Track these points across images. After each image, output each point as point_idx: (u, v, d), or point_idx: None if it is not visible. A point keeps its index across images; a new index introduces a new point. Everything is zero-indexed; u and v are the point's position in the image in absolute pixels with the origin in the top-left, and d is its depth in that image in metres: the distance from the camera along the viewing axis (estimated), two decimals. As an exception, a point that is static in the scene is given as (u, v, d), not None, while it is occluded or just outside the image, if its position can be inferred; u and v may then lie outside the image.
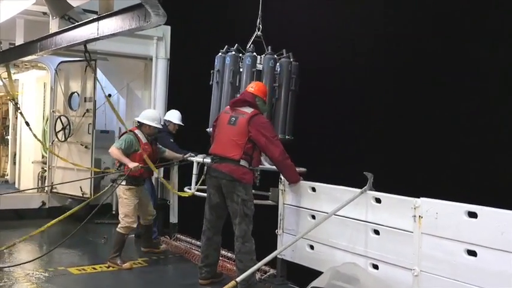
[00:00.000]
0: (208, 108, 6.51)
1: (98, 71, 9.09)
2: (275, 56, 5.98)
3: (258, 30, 6.18)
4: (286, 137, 6.05)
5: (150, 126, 6.53)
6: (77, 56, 8.40)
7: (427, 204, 4.04)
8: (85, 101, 8.99)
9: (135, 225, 6.53)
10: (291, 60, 6.02)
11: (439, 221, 3.95)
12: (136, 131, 6.57)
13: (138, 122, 6.63)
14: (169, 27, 8.27)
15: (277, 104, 5.96)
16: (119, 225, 6.43)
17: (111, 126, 9.91)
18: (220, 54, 6.17)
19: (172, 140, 7.15)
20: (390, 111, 6.28)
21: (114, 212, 9.21)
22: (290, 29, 6.71)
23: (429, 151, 5.92)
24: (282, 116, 6.00)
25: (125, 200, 6.43)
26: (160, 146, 6.93)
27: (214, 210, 5.33)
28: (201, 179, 5.82)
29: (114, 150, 6.39)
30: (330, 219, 4.75)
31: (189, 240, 7.24)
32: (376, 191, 4.57)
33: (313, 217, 5.11)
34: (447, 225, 3.89)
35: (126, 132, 6.71)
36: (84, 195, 8.68)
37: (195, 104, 7.62)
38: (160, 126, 6.69)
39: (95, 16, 5.07)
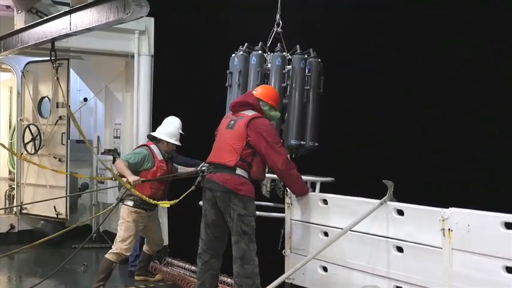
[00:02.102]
0: (204, 112, 6.54)
1: (72, 72, 9.14)
2: (305, 55, 6.09)
3: (278, 27, 6.19)
4: (316, 144, 6.12)
5: (168, 143, 6.58)
6: (47, 56, 8.38)
7: (457, 215, 4.04)
8: (57, 106, 9.01)
9: (128, 254, 6.55)
10: (319, 59, 6.15)
11: (471, 234, 3.94)
12: (152, 146, 6.60)
13: (155, 137, 6.66)
14: (152, 19, 8.27)
15: (307, 107, 6.06)
16: (110, 250, 6.42)
17: (88, 135, 9.91)
18: (241, 53, 6.23)
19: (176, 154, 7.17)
20: (410, 112, 6.30)
21: (94, 235, 9.22)
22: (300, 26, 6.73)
23: (455, 155, 5.93)
24: (312, 120, 6.07)
25: (127, 223, 6.42)
26: (175, 165, 6.95)
27: (209, 228, 5.29)
28: (189, 191, 5.81)
29: (120, 163, 6.39)
30: (346, 236, 4.74)
31: (182, 265, 7.23)
32: (397, 201, 4.57)
33: (326, 234, 5.10)
34: (481, 239, 3.88)
35: (140, 146, 6.77)
36: (59, 216, 8.69)
37: (185, 108, 7.62)
38: (179, 144, 6.72)
39: (67, 9, 5.08)
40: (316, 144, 6.14)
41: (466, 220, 3.98)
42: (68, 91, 8.80)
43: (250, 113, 5.27)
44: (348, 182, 5.74)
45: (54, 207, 8.72)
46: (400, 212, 4.49)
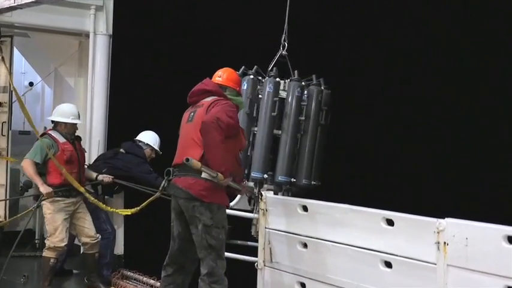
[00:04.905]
0: (170, 102, 6.50)
1: (16, 52, 9.00)
2: (302, 83, 6.05)
3: (283, 49, 6.15)
4: (312, 182, 6.03)
5: (66, 124, 6.85)
6: (-14, 32, 8.32)
7: (454, 227, 4.06)
8: (-3, 91, 8.88)
9: (62, 245, 6.69)
10: (322, 87, 6.10)
11: (470, 248, 3.97)
12: (51, 132, 6.89)
13: (52, 121, 6.94)
14: (111, -7, 8.22)
15: (302, 140, 6.00)
16: (44, 248, 6.72)
17: (33, 125, 9.80)
18: (251, 77, 6.17)
19: (151, 169, 7.19)
20: (404, 115, 6.39)
21: (37, 241, 9.10)
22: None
23: (453, 162, 6.01)
24: (308, 156, 5.99)
25: (49, 215, 6.71)
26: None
27: (175, 241, 5.24)
28: (153, 198, 5.80)
29: (27, 166, 6.66)
30: (327, 248, 4.75)
31: (139, 278, 7.18)
32: (386, 210, 4.59)
33: (305, 245, 5.11)
34: (481, 255, 3.91)
35: (41, 135, 6.90)
36: (-3, 219, 8.57)
37: (147, 96, 7.57)
38: (79, 121, 6.99)
39: (11, -23, 5.01)
40: (314, 183, 6.00)
41: (464, 233, 4.00)
42: (10, 73, 8.66)
43: (209, 98, 5.17)
44: (335, 186, 5.78)
45: (-8, 209, 8.59)
46: (390, 222, 4.51)
